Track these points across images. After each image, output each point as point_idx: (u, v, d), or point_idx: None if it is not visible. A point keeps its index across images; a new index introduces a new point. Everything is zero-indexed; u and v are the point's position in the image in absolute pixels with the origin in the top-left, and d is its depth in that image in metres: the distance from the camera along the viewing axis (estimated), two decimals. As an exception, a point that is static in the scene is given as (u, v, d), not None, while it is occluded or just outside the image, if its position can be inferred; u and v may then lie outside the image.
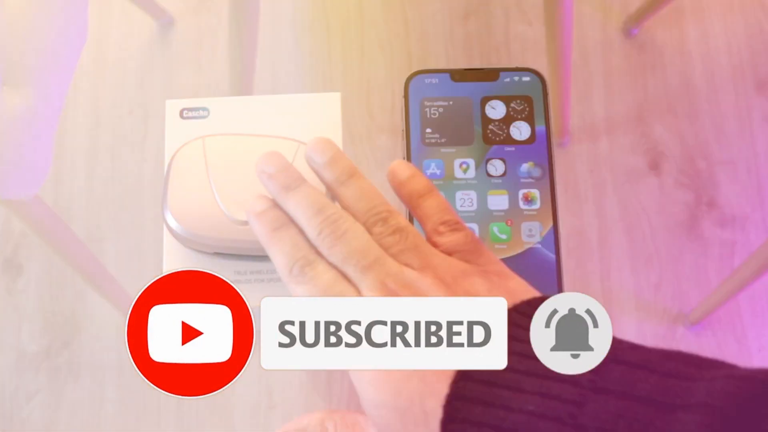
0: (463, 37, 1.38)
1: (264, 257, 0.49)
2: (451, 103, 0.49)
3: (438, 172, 0.47)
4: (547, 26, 1.09)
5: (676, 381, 0.30)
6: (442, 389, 0.33)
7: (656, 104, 1.34)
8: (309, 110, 0.54)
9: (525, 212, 0.47)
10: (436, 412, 0.32)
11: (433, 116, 0.49)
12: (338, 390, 1.21)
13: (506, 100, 0.49)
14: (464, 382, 0.33)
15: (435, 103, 0.49)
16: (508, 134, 0.48)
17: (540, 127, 0.49)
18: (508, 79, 0.50)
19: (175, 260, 0.50)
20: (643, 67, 1.37)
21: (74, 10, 0.81)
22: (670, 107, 1.34)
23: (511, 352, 0.33)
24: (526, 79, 0.50)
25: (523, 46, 1.38)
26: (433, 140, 0.48)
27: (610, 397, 0.30)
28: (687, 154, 1.32)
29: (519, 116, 0.49)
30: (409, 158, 0.48)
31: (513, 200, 0.47)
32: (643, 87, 1.36)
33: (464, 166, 0.48)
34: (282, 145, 0.50)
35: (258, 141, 0.50)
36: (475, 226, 0.46)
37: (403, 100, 0.49)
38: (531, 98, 0.49)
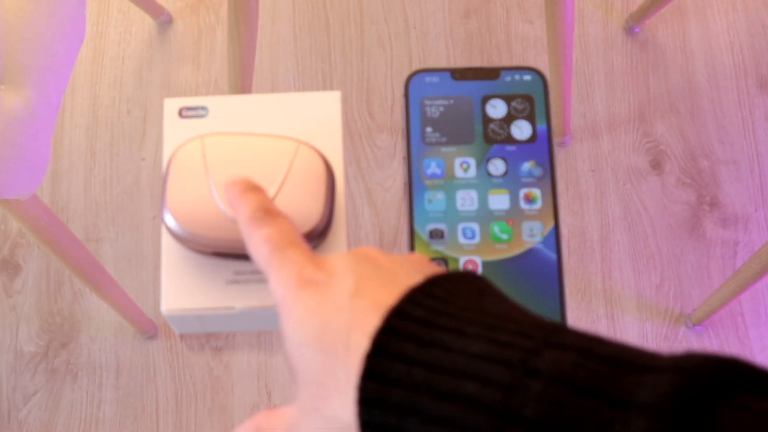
0: (464, 35, 1.38)
1: (264, 258, 0.48)
2: (451, 102, 0.49)
3: (439, 171, 0.47)
4: (548, 25, 1.09)
5: (638, 350, 0.27)
6: (372, 323, 0.30)
7: (658, 103, 1.34)
8: (309, 109, 0.54)
9: (526, 212, 0.46)
10: (360, 345, 0.29)
11: (433, 115, 0.48)
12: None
13: (507, 99, 0.49)
14: (399, 318, 0.29)
15: (435, 102, 0.49)
16: (509, 133, 0.48)
17: (541, 126, 0.48)
18: (509, 78, 0.49)
19: (173, 260, 0.49)
20: (645, 65, 1.36)
21: (72, 9, 0.80)
22: (672, 106, 1.34)
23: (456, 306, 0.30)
24: (527, 77, 0.50)
25: (524, 45, 1.37)
26: (433, 139, 0.48)
27: (568, 352, 0.27)
28: (689, 153, 1.31)
29: (520, 115, 0.49)
30: (409, 158, 0.47)
31: (514, 200, 0.47)
32: (645, 86, 1.35)
33: (465, 165, 0.47)
34: (281, 145, 0.49)
35: (257, 140, 0.50)
36: (476, 226, 0.46)
37: (403, 99, 0.49)
38: (532, 97, 0.49)
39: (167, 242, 0.50)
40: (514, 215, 0.46)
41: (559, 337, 0.27)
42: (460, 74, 0.49)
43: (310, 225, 0.47)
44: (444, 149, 0.48)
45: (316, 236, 0.48)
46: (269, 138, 0.50)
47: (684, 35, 1.39)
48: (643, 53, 1.37)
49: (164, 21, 1.40)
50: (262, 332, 1.23)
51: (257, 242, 0.37)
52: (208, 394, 1.21)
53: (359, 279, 0.33)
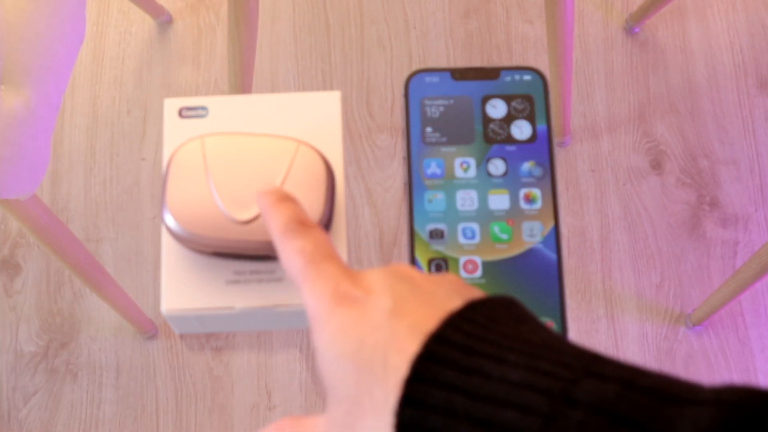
0: (464, 35, 1.38)
1: (264, 257, 0.48)
2: (451, 102, 0.49)
3: (438, 171, 0.47)
4: (548, 25, 1.09)
5: (679, 381, 0.27)
6: (411, 346, 0.29)
7: (658, 103, 1.34)
8: (309, 109, 0.54)
9: (526, 212, 0.46)
10: (399, 368, 0.29)
11: (433, 115, 0.48)
12: (338, 390, 1.20)
13: (507, 99, 0.49)
14: (439, 343, 0.29)
15: (435, 102, 0.49)
16: (509, 133, 0.48)
17: (541, 126, 0.48)
18: (509, 78, 0.49)
19: (173, 260, 0.49)
20: (645, 65, 1.36)
21: (72, 9, 0.80)
22: (672, 106, 1.34)
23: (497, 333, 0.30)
24: (527, 77, 0.50)
25: (524, 45, 1.37)
26: (433, 139, 0.48)
27: (608, 382, 0.26)
28: (689, 153, 1.31)
29: (520, 115, 0.49)
30: (409, 158, 0.47)
31: (514, 200, 0.47)
32: (645, 86, 1.35)
33: (465, 165, 0.47)
34: (281, 144, 0.49)
35: (257, 140, 0.50)
36: (476, 226, 0.46)
37: (403, 99, 0.49)
38: (532, 97, 0.49)
39: (167, 242, 0.50)
40: (514, 215, 0.46)
41: (600, 366, 0.27)
42: (460, 74, 0.49)
43: (310, 225, 0.47)
44: (444, 149, 0.48)
45: (316, 236, 0.48)
46: (269, 138, 0.50)
47: (684, 35, 1.39)
48: (643, 53, 1.37)
49: (164, 21, 1.40)
50: (262, 332, 1.23)
51: (291, 253, 0.37)
52: (208, 394, 1.21)
53: (397, 297, 0.32)
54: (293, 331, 1.23)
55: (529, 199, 0.47)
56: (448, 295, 0.33)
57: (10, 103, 0.75)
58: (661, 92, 1.35)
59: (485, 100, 0.49)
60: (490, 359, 0.28)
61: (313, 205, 0.48)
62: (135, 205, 1.30)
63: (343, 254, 0.50)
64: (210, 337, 1.23)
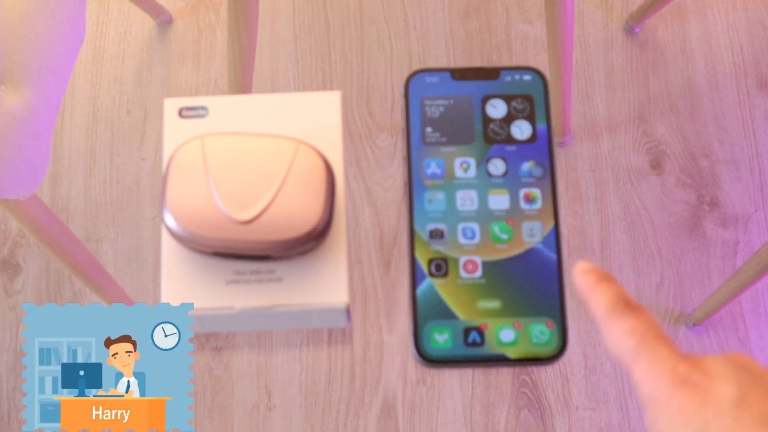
0: (464, 35, 1.38)
1: (263, 257, 0.48)
2: (451, 101, 0.49)
3: (438, 171, 0.47)
4: (548, 24, 1.09)
5: None
6: None
7: (658, 103, 1.34)
8: (309, 109, 0.54)
9: (526, 212, 0.46)
10: None
11: (433, 115, 0.48)
12: (338, 390, 1.20)
13: (507, 98, 0.49)
14: None
15: (435, 102, 0.49)
16: (509, 133, 0.48)
17: (541, 126, 0.48)
18: (509, 78, 0.49)
19: (174, 260, 0.49)
20: (645, 65, 1.36)
21: (72, 9, 0.80)
22: (672, 106, 1.34)
23: None
24: (527, 77, 0.50)
25: (524, 45, 1.37)
26: (433, 139, 0.48)
27: None
28: (689, 153, 1.31)
29: (520, 115, 0.49)
30: (409, 157, 0.47)
31: (514, 200, 0.47)
32: (645, 86, 1.35)
33: (465, 165, 0.47)
34: (281, 145, 0.49)
35: (257, 140, 0.50)
36: (476, 226, 0.46)
37: (403, 99, 0.49)
38: (532, 97, 0.49)
39: (167, 242, 0.50)
40: (514, 215, 0.46)
41: None
42: (460, 74, 0.49)
43: (310, 225, 0.47)
44: (444, 149, 0.48)
45: (316, 236, 0.48)
46: (269, 138, 0.50)
47: (684, 35, 1.39)
48: (643, 53, 1.37)
49: (164, 21, 1.40)
50: (262, 332, 1.23)
51: (621, 333, 0.37)
52: (208, 394, 1.21)
53: (742, 387, 0.32)
54: (293, 331, 1.24)
55: (529, 199, 0.47)
56: None
57: (10, 103, 0.75)
58: (661, 92, 1.35)
59: (485, 100, 0.49)
60: None
61: (313, 205, 0.48)
62: (135, 205, 1.30)
63: (343, 254, 0.50)
64: (210, 337, 1.23)
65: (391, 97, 1.35)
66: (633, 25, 1.37)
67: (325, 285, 0.49)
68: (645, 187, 1.30)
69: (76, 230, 1.29)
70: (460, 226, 0.46)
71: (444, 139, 0.48)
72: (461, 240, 0.46)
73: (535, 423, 1.19)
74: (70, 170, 1.33)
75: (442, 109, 0.49)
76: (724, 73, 1.36)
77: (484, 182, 0.47)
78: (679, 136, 1.32)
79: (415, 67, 1.35)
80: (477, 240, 0.46)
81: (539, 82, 0.49)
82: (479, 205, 0.47)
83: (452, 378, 1.20)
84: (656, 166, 1.31)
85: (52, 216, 0.93)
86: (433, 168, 0.47)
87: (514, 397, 1.20)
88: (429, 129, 0.48)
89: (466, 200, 0.47)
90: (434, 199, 0.47)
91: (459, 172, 0.47)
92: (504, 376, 1.21)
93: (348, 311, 0.49)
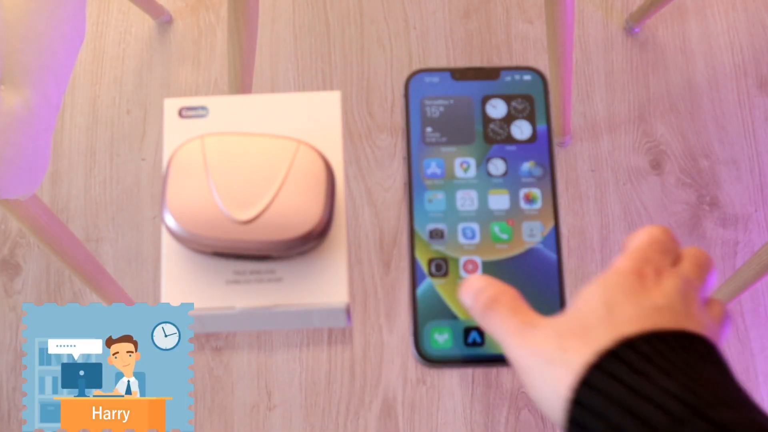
0: (464, 35, 1.38)
1: (263, 257, 0.48)
2: (451, 102, 0.49)
3: (439, 171, 0.47)
4: (548, 24, 1.09)
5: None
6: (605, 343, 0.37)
7: (658, 103, 1.34)
8: (309, 109, 0.54)
9: (526, 212, 0.46)
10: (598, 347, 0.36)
11: (433, 115, 0.48)
12: (338, 390, 1.20)
13: (507, 98, 0.49)
14: (632, 344, 0.36)
15: (435, 102, 0.49)
16: (509, 133, 0.48)
17: (541, 126, 0.48)
18: (509, 78, 0.49)
19: (174, 260, 0.50)
20: (645, 65, 1.37)
21: (72, 10, 0.81)
22: (672, 106, 1.34)
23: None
24: (527, 77, 0.50)
25: (524, 45, 1.37)
26: (433, 139, 0.48)
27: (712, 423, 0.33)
28: (689, 153, 1.32)
29: (520, 115, 0.49)
30: (409, 157, 0.47)
31: (514, 200, 0.47)
32: (645, 86, 1.35)
33: (465, 165, 0.47)
34: (281, 144, 0.49)
35: (257, 140, 0.50)
36: (476, 226, 0.46)
37: (403, 99, 0.49)
38: (532, 97, 0.49)
39: (167, 242, 0.50)
40: (514, 215, 0.46)
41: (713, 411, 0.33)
42: (460, 74, 0.49)
43: (310, 225, 0.48)
44: (444, 149, 0.48)
45: (316, 236, 0.48)
46: (269, 138, 0.50)
47: (684, 35, 1.39)
48: (643, 53, 1.37)
49: (164, 21, 1.40)
50: (262, 332, 1.23)
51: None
52: (208, 394, 1.21)
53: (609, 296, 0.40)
54: (293, 331, 1.24)
55: (529, 199, 0.47)
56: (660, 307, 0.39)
57: (10, 103, 0.75)
58: (661, 92, 1.35)
59: (485, 100, 0.49)
60: (659, 371, 0.35)
61: (313, 205, 0.48)
62: (135, 205, 1.30)
63: (343, 254, 0.50)
64: (210, 336, 1.23)
65: (391, 97, 1.35)
66: (633, 25, 1.37)
67: (325, 285, 0.49)
68: (645, 187, 1.30)
69: (76, 230, 1.29)
70: (460, 226, 0.46)
71: (444, 139, 0.48)
72: (461, 240, 0.46)
73: (535, 423, 1.19)
74: (70, 170, 1.33)
75: (442, 109, 0.49)
76: (724, 73, 1.36)
77: (484, 182, 0.47)
78: (679, 136, 1.33)
79: (415, 67, 1.35)
80: (477, 240, 0.46)
81: (539, 82, 0.49)
82: (479, 205, 0.47)
83: (452, 378, 1.20)
84: (656, 166, 1.31)
85: (52, 216, 0.93)
86: (433, 168, 0.47)
87: (514, 397, 1.20)
88: (429, 129, 0.48)
89: (466, 200, 0.47)
90: (434, 199, 0.47)
91: (459, 172, 0.47)
92: (504, 376, 1.21)
93: (348, 311, 0.49)
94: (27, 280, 1.28)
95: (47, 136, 0.79)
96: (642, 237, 0.42)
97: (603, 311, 0.38)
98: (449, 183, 0.47)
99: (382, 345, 1.22)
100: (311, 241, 0.48)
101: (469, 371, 1.20)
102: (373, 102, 1.35)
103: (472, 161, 0.47)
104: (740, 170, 1.31)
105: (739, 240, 1.27)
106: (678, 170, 1.31)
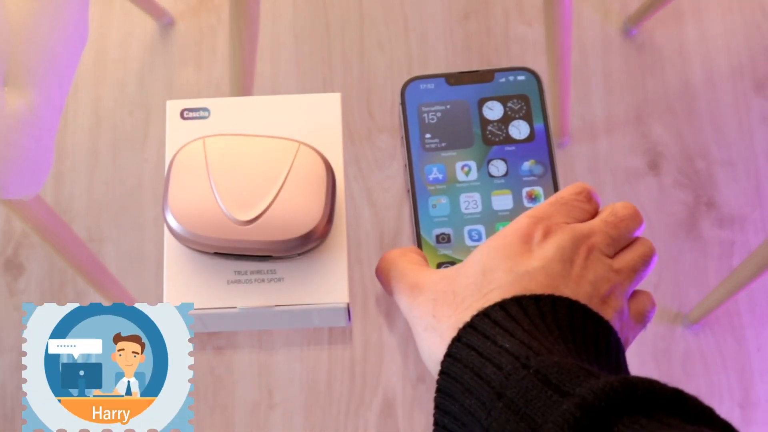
0: (463, 37, 1.39)
1: (264, 257, 0.49)
2: (448, 107, 0.49)
3: (440, 176, 0.48)
4: (546, 27, 1.09)
5: (577, 379, 0.35)
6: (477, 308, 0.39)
7: (655, 104, 1.35)
8: (309, 110, 0.54)
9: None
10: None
11: (431, 121, 0.49)
12: (339, 389, 1.21)
13: (503, 100, 0.49)
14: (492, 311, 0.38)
15: (432, 108, 0.49)
16: (508, 134, 0.49)
17: (539, 125, 0.49)
18: (503, 80, 0.50)
19: (175, 260, 0.50)
20: (642, 67, 1.37)
21: (75, 11, 0.81)
22: (669, 107, 1.34)
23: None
24: (521, 78, 0.50)
25: (522, 47, 1.38)
26: (433, 145, 0.48)
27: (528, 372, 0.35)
28: (686, 155, 1.32)
29: (517, 115, 0.49)
30: (410, 165, 0.48)
31: (517, 199, 0.47)
32: (642, 87, 1.36)
33: (466, 168, 0.48)
34: (282, 146, 0.50)
35: (258, 141, 0.50)
36: (481, 228, 0.47)
37: (400, 107, 0.49)
38: (527, 97, 0.49)
39: (169, 242, 0.50)
40: (517, 214, 0.46)
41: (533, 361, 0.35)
42: (454, 79, 0.50)
43: (310, 225, 0.48)
44: (444, 154, 0.48)
45: (317, 236, 0.48)
46: (270, 139, 0.50)
47: (681, 37, 1.39)
48: (640, 55, 1.38)
49: (166, 23, 1.40)
50: (263, 332, 1.24)
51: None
52: (210, 393, 1.22)
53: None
54: (294, 331, 1.24)
55: (532, 197, 0.47)
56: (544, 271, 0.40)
57: (13, 105, 0.75)
58: (658, 94, 1.35)
59: (481, 102, 0.49)
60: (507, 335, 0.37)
61: (313, 206, 0.48)
62: (137, 205, 1.31)
63: (343, 254, 0.51)
64: (211, 336, 1.24)
65: (390, 99, 1.35)
66: (630, 27, 1.38)
67: (326, 285, 0.50)
68: (642, 188, 1.30)
69: (79, 230, 1.29)
70: (466, 229, 0.47)
71: (443, 144, 0.48)
72: (468, 242, 0.46)
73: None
74: (73, 171, 1.33)
75: (439, 114, 0.49)
76: (720, 75, 1.37)
77: (487, 184, 0.47)
78: (676, 137, 1.33)
79: (415, 68, 1.36)
80: (484, 241, 0.46)
81: (533, 81, 0.50)
82: (483, 207, 0.47)
83: (451, 377, 1.21)
84: (653, 167, 1.31)
85: (55, 216, 0.94)
86: (434, 173, 0.48)
87: (512, 396, 1.20)
88: (428, 135, 0.48)
89: (470, 203, 0.47)
90: (438, 204, 0.47)
91: (461, 176, 0.48)
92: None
93: (348, 311, 0.50)
94: (30, 280, 1.28)
95: (50, 137, 0.80)
96: (553, 196, 0.43)
97: (478, 278, 0.40)
98: (452, 187, 0.47)
99: (382, 345, 1.22)
100: (312, 241, 0.48)
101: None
102: (373, 103, 1.35)
103: (473, 164, 0.48)
104: (737, 171, 1.31)
105: (735, 240, 1.28)
106: (675, 171, 1.31)
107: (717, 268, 1.26)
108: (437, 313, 0.40)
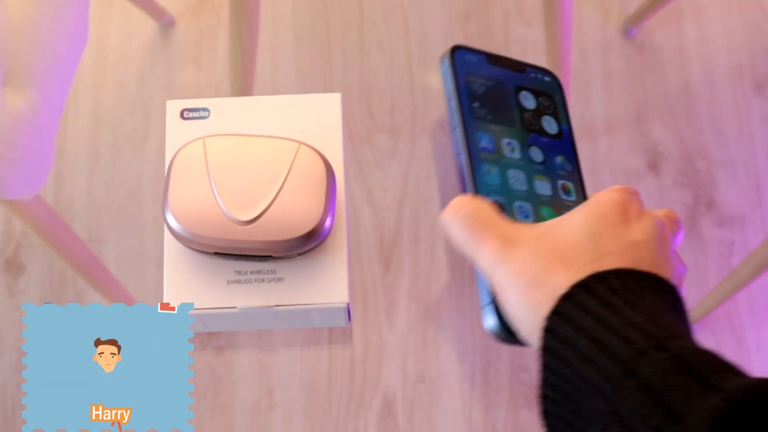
0: (463, 37, 1.39)
1: (264, 257, 0.49)
2: (491, 83, 0.48)
3: (490, 146, 0.46)
4: (546, 27, 1.09)
5: (720, 368, 0.33)
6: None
7: (655, 105, 1.35)
8: (309, 110, 0.54)
9: (565, 202, 0.46)
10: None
11: (478, 92, 0.47)
12: (339, 389, 1.21)
13: (535, 93, 0.49)
14: (602, 277, 0.37)
15: (479, 80, 0.47)
16: (542, 126, 0.48)
17: (564, 126, 0.48)
18: (533, 75, 0.49)
19: (175, 260, 0.50)
20: (642, 67, 1.37)
21: (75, 12, 0.81)
22: (669, 108, 1.35)
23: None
24: (546, 78, 0.50)
25: (522, 47, 1.38)
26: (481, 115, 0.46)
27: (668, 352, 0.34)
28: (686, 155, 1.32)
29: (547, 111, 0.48)
30: (464, 127, 0.45)
31: (554, 188, 0.46)
32: (642, 87, 1.36)
33: (511, 146, 0.46)
34: (282, 146, 0.50)
35: (258, 141, 0.50)
36: (528, 206, 0.45)
37: (450, 69, 0.47)
38: (553, 97, 0.49)
39: (169, 242, 0.50)
40: (556, 203, 0.46)
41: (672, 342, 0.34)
42: (494, 60, 0.48)
43: (310, 225, 0.48)
44: (492, 126, 0.46)
45: (317, 236, 0.49)
46: (270, 139, 0.51)
47: (681, 37, 1.39)
48: (640, 55, 1.38)
49: (166, 23, 1.40)
50: (263, 332, 1.24)
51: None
52: (210, 393, 1.22)
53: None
54: (294, 331, 1.24)
55: (566, 191, 0.46)
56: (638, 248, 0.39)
57: (13, 105, 0.75)
58: (658, 94, 1.36)
59: (518, 90, 0.48)
60: (626, 304, 0.36)
61: (313, 206, 0.49)
62: (138, 205, 1.31)
63: (343, 254, 0.51)
64: (212, 336, 1.24)
65: (390, 99, 1.35)
66: (630, 27, 1.38)
67: (326, 285, 0.50)
68: (642, 188, 1.30)
69: (79, 230, 1.29)
70: (516, 204, 0.45)
71: (490, 117, 0.47)
72: (519, 217, 0.45)
73: (534, 421, 1.20)
74: (73, 171, 1.33)
75: (484, 88, 0.47)
76: (720, 75, 1.37)
77: (529, 166, 0.46)
78: (676, 137, 1.33)
79: (415, 68, 1.36)
80: (531, 220, 0.45)
81: (556, 85, 0.50)
82: (528, 187, 0.46)
83: (452, 377, 1.21)
84: (653, 167, 1.32)
85: (55, 216, 0.94)
86: (485, 142, 0.46)
87: (512, 396, 1.20)
88: (476, 104, 0.46)
89: (518, 179, 0.46)
90: (491, 172, 0.45)
91: (507, 152, 0.46)
92: (502, 375, 1.21)
93: (348, 311, 0.50)
94: (30, 280, 1.28)
95: (51, 137, 0.80)
96: (615, 186, 0.42)
97: (586, 239, 0.39)
98: (501, 159, 0.46)
99: (382, 345, 1.23)
100: (312, 241, 0.48)
101: (468, 370, 1.21)
102: (373, 103, 1.35)
103: (516, 143, 0.46)
104: (736, 171, 1.31)
105: (735, 240, 1.28)
106: (675, 171, 1.31)
107: (717, 267, 1.26)
108: (547, 267, 0.38)
